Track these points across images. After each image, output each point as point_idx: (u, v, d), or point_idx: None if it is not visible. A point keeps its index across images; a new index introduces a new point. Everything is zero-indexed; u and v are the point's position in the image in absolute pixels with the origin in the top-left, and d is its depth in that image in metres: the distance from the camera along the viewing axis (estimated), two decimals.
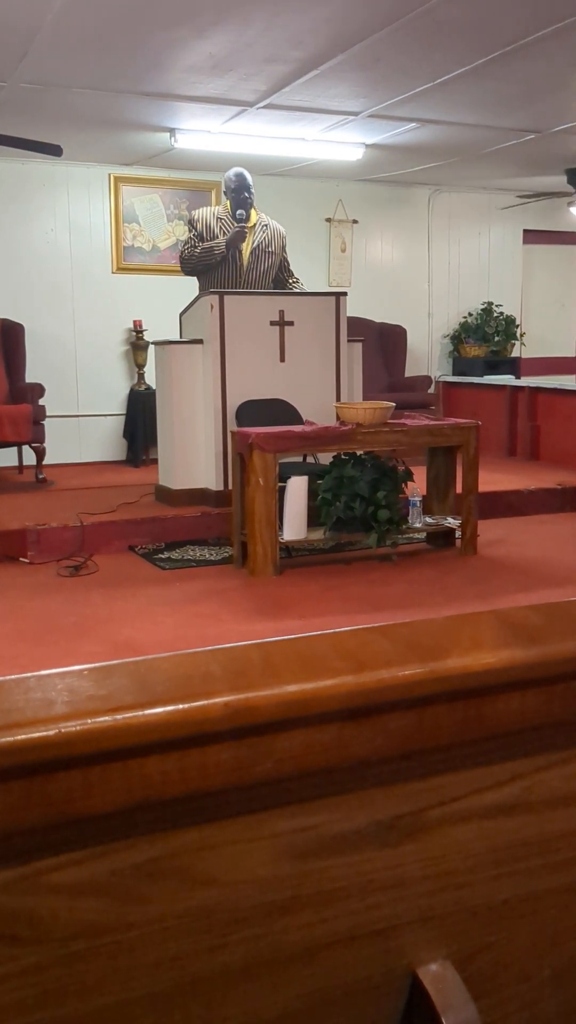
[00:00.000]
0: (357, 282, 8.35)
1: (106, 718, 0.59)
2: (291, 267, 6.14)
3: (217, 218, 5.86)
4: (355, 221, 8.41)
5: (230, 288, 5.87)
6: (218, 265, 5.83)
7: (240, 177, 5.77)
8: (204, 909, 0.69)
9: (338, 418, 5.00)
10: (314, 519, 4.88)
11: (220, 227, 5.82)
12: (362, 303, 8.00)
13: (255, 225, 5.87)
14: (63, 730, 0.58)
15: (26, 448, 6.86)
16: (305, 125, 6.19)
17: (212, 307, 5.59)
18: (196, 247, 5.83)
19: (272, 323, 5.75)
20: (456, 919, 0.77)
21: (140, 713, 0.60)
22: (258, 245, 5.90)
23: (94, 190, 7.55)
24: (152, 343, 6.22)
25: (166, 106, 5.73)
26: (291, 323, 5.78)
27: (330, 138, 6.54)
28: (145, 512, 5.59)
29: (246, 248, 5.85)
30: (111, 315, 7.62)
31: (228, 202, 5.83)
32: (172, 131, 6.31)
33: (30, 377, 7.05)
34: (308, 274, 8.12)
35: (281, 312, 5.76)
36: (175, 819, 0.66)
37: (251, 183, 5.80)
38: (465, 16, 4.21)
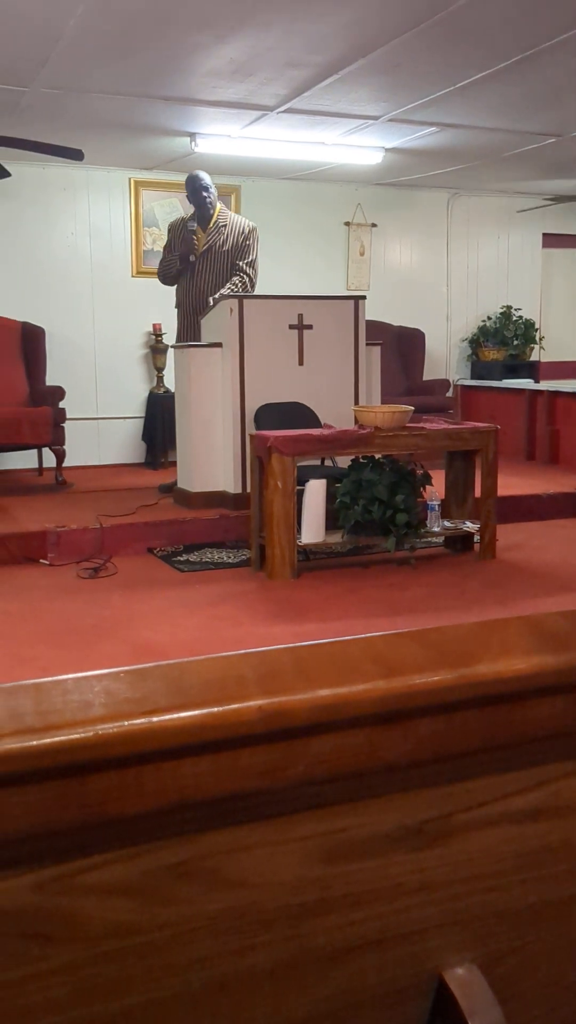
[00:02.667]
0: (375, 285, 8.35)
1: (141, 720, 0.60)
2: (248, 261, 5.99)
3: (180, 228, 6.03)
4: (374, 225, 8.42)
5: (184, 291, 6.06)
6: (180, 274, 6.01)
7: (190, 182, 5.96)
8: (233, 911, 0.70)
9: (356, 421, 5.00)
10: (332, 522, 4.88)
11: (180, 238, 6.00)
12: (380, 306, 8.00)
13: (212, 227, 5.95)
14: (100, 732, 0.59)
15: (46, 450, 6.90)
16: (325, 129, 6.20)
17: (231, 311, 5.61)
18: (164, 259, 6.10)
19: (291, 327, 5.76)
20: (483, 923, 0.77)
21: (175, 716, 0.60)
22: (209, 247, 5.96)
23: (114, 194, 7.59)
24: (171, 346, 6.25)
25: (186, 111, 5.76)
26: (310, 327, 5.79)
27: (350, 142, 6.55)
28: (163, 515, 5.62)
29: (199, 251, 5.96)
30: (130, 318, 7.65)
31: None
32: (192, 135, 6.34)
33: (50, 380, 7.09)
34: (326, 277, 8.14)
35: (300, 316, 5.77)
36: (207, 821, 0.66)
37: (204, 184, 5.89)
38: (485, 20, 4.21)
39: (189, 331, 6.11)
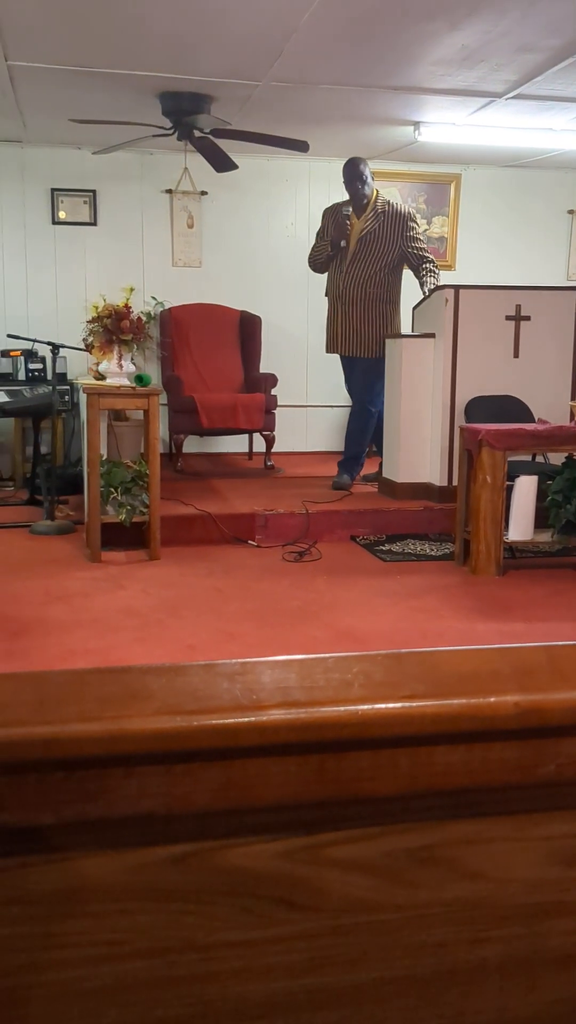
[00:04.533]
0: None
1: (399, 704, 0.61)
2: (430, 258, 6.03)
3: (334, 213, 6.11)
4: None
5: (336, 279, 6.10)
6: (331, 260, 6.09)
7: (348, 167, 6.02)
8: (469, 902, 0.70)
9: (573, 417, 4.83)
10: (542, 520, 4.75)
11: (333, 223, 6.07)
12: None
13: (370, 213, 5.98)
14: (360, 711, 0.60)
15: (256, 435, 7.10)
16: (554, 115, 5.99)
17: (447, 301, 5.55)
18: (315, 245, 6.20)
19: (508, 318, 5.63)
20: None
21: (433, 703, 0.61)
22: (367, 233, 5.98)
23: (334, 184, 7.61)
24: (385, 337, 6.25)
25: (412, 99, 5.72)
26: (527, 318, 5.64)
27: None
28: (367, 504, 5.65)
29: (353, 238, 5.99)
30: None
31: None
32: (416, 124, 6.29)
33: (264, 367, 7.28)
34: (545, 267, 7.88)
35: (518, 307, 5.63)
36: (451, 810, 0.67)
37: (362, 172, 5.96)
38: None
39: (335, 319, 6.16)
